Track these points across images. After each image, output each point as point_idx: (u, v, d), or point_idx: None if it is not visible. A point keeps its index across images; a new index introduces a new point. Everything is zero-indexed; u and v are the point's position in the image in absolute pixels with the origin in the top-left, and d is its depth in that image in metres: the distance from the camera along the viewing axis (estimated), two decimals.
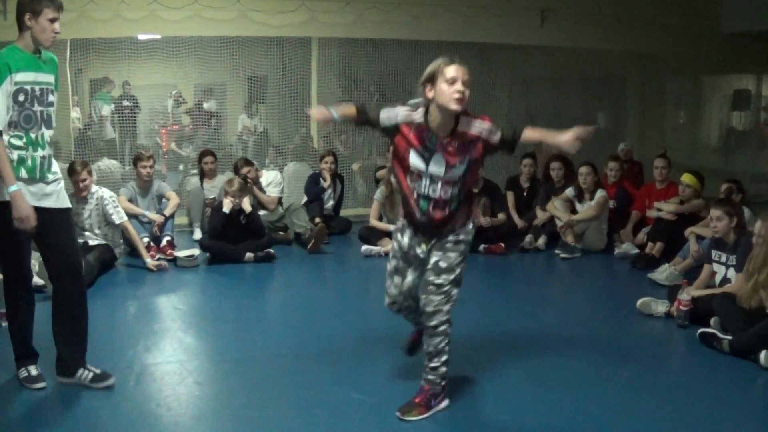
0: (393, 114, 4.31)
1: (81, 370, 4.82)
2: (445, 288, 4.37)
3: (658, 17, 12.83)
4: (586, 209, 9.40)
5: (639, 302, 6.70)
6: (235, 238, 8.73)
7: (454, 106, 4.07)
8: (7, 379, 4.92)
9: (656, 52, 13.66)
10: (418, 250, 4.51)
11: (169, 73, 11.91)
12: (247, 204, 8.79)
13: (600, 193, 9.39)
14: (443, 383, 4.55)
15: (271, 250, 8.90)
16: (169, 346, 5.79)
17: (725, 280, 6.47)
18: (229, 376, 5.18)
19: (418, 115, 4.25)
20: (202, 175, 10.37)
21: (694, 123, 15.71)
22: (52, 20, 4.49)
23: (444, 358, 4.47)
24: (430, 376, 4.52)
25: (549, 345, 5.85)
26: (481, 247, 9.25)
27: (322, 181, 10.46)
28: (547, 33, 12.53)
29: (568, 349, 5.73)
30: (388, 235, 9.04)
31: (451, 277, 4.38)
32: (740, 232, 6.48)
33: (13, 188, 4.39)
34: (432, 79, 4.15)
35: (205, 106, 12.33)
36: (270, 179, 10.50)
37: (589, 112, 13.68)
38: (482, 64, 12.42)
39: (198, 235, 9.91)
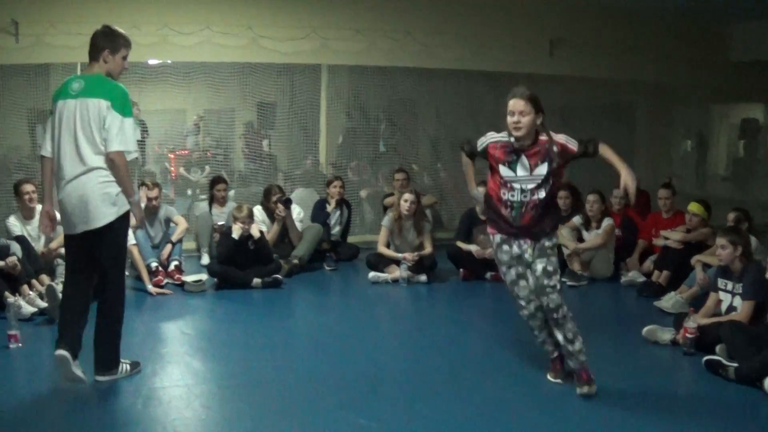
0: (481, 141, 5.36)
1: (121, 365, 5.44)
2: (557, 286, 5.18)
3: (667, 47, 12.90)
4: (593, 237, 9.43)
5: (645, 330, 6.71)
6: (243, 264, 8.78)
7: (514, 133, 5.08)
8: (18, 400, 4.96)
9: (664, 81, 13.67)
10: (526, 255, 5.23)
11: (179, 98, 11.93)
12: (255, 230, 8.83)
13: (607, 222, 9.41)
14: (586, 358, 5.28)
15: (278, 276, 8.92)
16: (177, 371, 5.81)
17: (731, 308, 6.47)
18: (236, 401, 5.19)
19: (504, 136, 5.21)
20: (212, 200, 10.41)
21: (702, 152, 15.71)
22: (125, 57, 5.25)
23: (580, 337, 5.23)
24: (582, 357, 5.23)
25: None
26: (488, 274, 9.25)
27: (327, 205, 10.51)
28: (555, 62, 12.59)
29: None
30: (396, 262, 9.10)
31: (558, 276, 5.22)
32: (747, 260, 6.49)
33: (137, 197, 5.29)
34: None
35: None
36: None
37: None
38: (491, 93, 12.46)
39: (206, 260, 9.97)
